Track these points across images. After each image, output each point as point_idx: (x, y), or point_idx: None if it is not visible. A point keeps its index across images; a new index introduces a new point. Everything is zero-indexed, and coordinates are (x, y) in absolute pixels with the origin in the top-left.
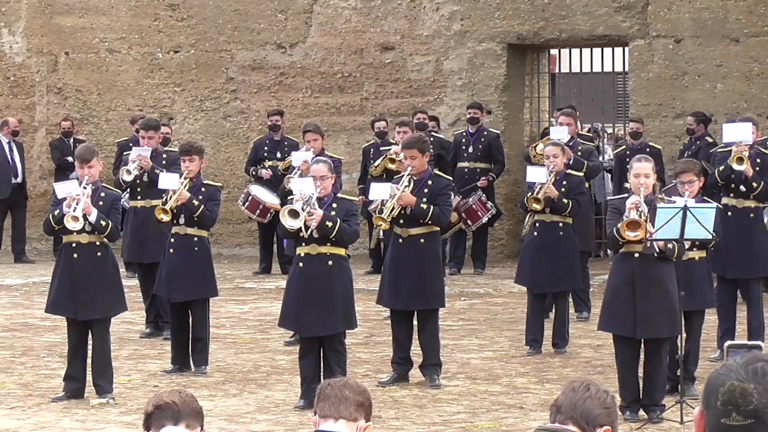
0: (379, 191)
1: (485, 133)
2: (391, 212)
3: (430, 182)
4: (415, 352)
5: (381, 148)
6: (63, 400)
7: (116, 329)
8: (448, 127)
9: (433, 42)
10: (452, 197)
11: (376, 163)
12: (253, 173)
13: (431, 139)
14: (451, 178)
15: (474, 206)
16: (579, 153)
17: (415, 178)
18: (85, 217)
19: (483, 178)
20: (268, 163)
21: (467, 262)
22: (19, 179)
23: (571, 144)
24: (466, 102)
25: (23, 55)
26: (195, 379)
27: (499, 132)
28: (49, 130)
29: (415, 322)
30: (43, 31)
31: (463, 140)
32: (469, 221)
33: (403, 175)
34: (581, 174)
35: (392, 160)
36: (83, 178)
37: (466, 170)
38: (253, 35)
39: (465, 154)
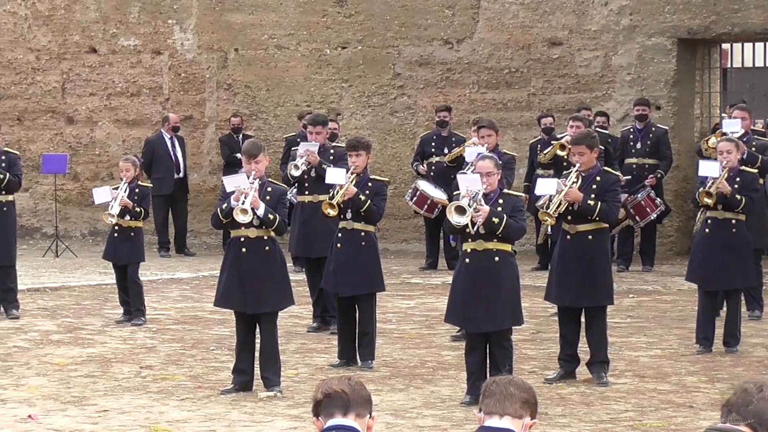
0: (545, 187)
1: (653, 128)
2: (557, 208)
3: (598, 178)
4: (583, 349)
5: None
6: (231, 392)
7: (284, 323)
8: (617, 123)
9: (602, 37)
10: (621, 193)
11: (546, 151)
12: (415, 168)
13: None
14: (620, 174)
15: (642, 202)
16: (753, 148)
17: (583, 174)
18: (253, 211)
19: (651, 176)
20: (435, 159)
21: (635, 259)
22: (180, 174)
23: (744, 139)
24: (635, 97)
25: (194, 52)
26: (361, 374)
27: (667, 128)
28: (219, 126)
29: (582, 319)
30: (214, 28)
31: (631, 136)
32: (637, 217)
33: (570, 171)
34: (755, 170)
35: (563, 147)
36: (250, 173)
37: (633, 166)
38: (420, 31)
39: (633, 150)
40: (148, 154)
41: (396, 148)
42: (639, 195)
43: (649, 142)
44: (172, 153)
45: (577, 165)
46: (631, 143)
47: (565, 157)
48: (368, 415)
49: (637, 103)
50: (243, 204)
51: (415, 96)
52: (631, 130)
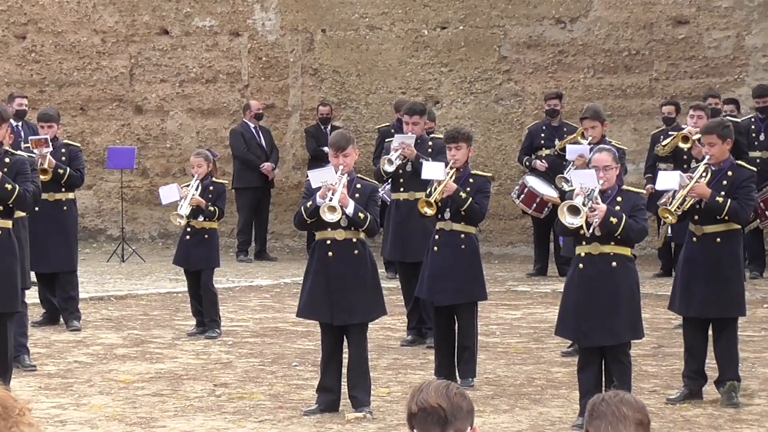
0: (667, 180)
1: None
2: (681, 205)
3: (730, 173)
4: (711, 365)
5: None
6: (316, 413)
7: (375, 336)
8: (750, 111)
9: (734, 15)
10: (755, 191)
11: (665, 142)
12: (527, 164)
13: None
14: (755, 169)
15: None
16: None
17: (713, 168)
18: (341, 209)
19: None
20: (544, 152)
21: None
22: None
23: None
24: None
25: (276, 33)
26: None
27: None
28: (304, 116)
29: (710, 332)
30: (298, 7)
31: (753, 127)
32: (759, 217)
33: (698, 164)
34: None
35: (685, 139)
36: (338, 167)
37: (758, 160)
38: (529, 9)
39: (756, 143)
40: (239, 146)
41: (501, 140)
42: (766, 190)
43: None
44: (259, 143)
45: (706, 157)
46: (754, 134)
47: (687, 150)
48: (469, 427)
49: (757, 95)
50: (330, 201)
51: (523, 81)
52: (753, 120)
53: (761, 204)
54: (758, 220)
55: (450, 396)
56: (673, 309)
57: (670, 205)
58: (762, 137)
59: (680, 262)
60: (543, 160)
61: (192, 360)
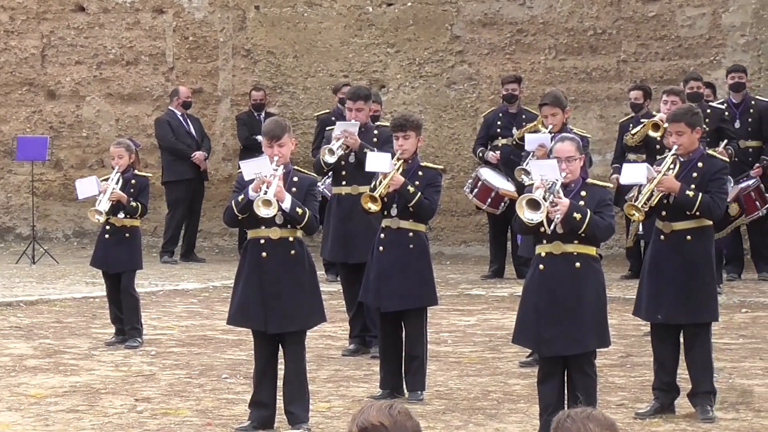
0: (633, 174)
1: (753, 102)
2: (648, 200)
3: (700, 164)
4: (683, 376)
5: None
6: (249, 430)
7: (313, 345)
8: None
9: None
10: (728, 183)
11: (634, 131)
12: (480, 155)
13: (708, 111)
14: (728, 160)
15: (752, 193)
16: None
17: (681, 159)
18: (277, 204)
19: (757, 165)
20: (501, 142)
21: (748, 265)
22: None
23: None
24: (751, 65)
25: (205, 10)
26: (409, 407)
27: None
28: (235, 102)
29: (682, 340)
30: None
31: (726, 114)
32: (749, 211)
33: (665, 155)
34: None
35: (656, 126)
36: (273, 158)
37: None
38: None
39: (730, 130)
40: (167, 136)
41: (454, 128)
42: (748, 183)
43: (750, 120)
44: (188, 132)
45: (674, 147)
46: (728, 121)
47: (659, 138)
48: None
49: (731, 70)
50: (265, 194)
51: (478, 64)
52: (725, 105)
53: (746, 197)
54: (743, 216)
55: (393, 415)
56: (639, 315)
57: (636, 200)
58: (737, 124)
59: (646, 263)
60: (496, 151)
61: (111, 372)
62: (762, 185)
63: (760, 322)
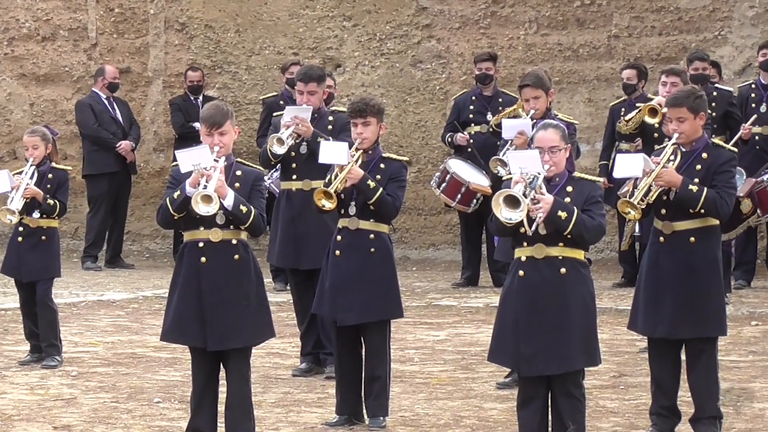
0: (628, 166)
1: None
2: (645, 197)
3: (704, 155)
4: (684, 399)
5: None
6: None
7: (260, 363)
8: (734, 76)
9: None
10: (736, 177)
11: (628, 117)
12: (449, 140)
13: (714, 93)
14: (735, 150)
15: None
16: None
17: (683, 149)
18: (219, 200)
19: None
20: (474, 129)
21: (760, 271)
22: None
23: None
24: (760, 40)
25: None
26: None
27: None
28: (168, 83)
29: (684, 357)
30: None
31: (753, 95)
32: (759, 210)
33: (665, 145)
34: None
35: (654, 112)
36: (213, 148)
37: (757, 138)
38: None
39: (756, 115)
40: (88, 122)
41: (420, 113)
42: (766, 178)
43: None
44: (114, 117)
45: (675, 136)
46: (753, 105)
47: (657, 125)
48: None
49: (763, 46)
50: (205, 189)
51: (448, 40)
52: (753, 86)
53: (761, 193)
54: (757, 214)
55: None
56: (634, 329)
57: (632, 196)
58: (763, 108)
59: (643, 269)
60: (465, 133)
61: (25, 396)
62: None
63: None
